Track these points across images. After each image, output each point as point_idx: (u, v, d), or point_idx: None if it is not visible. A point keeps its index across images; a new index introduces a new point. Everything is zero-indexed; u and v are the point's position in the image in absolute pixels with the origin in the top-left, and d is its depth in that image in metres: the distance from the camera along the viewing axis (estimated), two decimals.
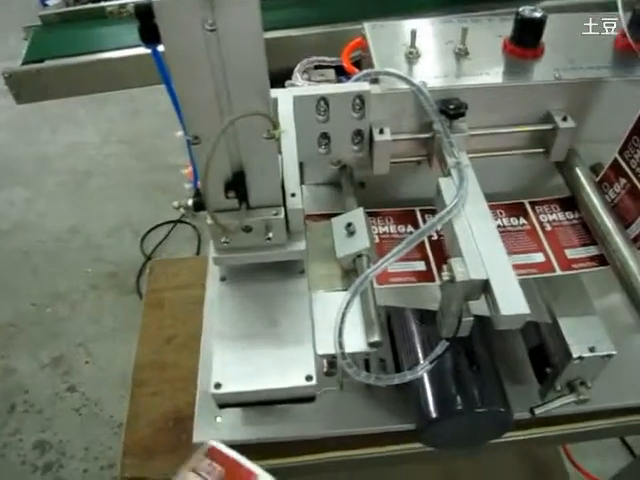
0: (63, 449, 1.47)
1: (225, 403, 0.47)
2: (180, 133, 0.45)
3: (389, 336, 0.67)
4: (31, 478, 1.42)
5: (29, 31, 1.14)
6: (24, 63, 1.07)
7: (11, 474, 1.42)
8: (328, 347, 0.49)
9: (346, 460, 0.70)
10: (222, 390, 0.46)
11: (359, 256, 0.55)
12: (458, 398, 0.57)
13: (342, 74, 0.72)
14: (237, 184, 0.46)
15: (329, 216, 0.64)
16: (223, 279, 0.53)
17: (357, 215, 0.57)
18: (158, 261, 1.05)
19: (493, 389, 0.59)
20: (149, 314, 0.85)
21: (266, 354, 0.48)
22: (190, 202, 0.50)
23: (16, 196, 2.12)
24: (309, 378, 0.46)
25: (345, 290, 0.55)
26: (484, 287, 0.48)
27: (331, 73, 0.71)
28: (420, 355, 0.62)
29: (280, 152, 0.50)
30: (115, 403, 1.53)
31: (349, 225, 0.56)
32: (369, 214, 0.61)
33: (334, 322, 0.50)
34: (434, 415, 0.57)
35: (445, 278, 0.48)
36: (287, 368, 0.47)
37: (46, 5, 2.34)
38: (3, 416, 1.52)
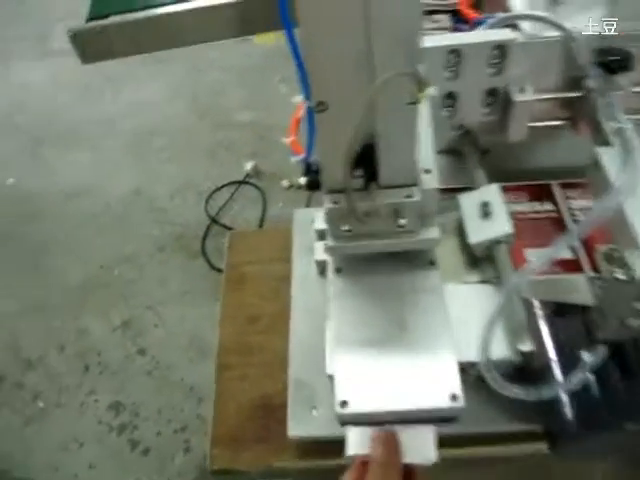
0: (136, 411, 1.49)
1: (350, 422, 0.40)
2: (299, 98, 0.37)
3: None
4: (107, 438, 1.44)
5: None
6: (88, 20, 1.00)
7: (89, 433, 1.45)
8: (468, 354, 0.41)
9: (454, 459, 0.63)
10: (350, 410, 0.38)
11: (497, 242, 0.46)
12: (607, 410, 0.49)
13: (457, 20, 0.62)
14: (366, 160, 0.38)
15: (445, 191, 0.55)
16: (339, 270, 0.45)
17: (492, 193, 0.48)
18: (236, 233, 0.99)
19: None
20: (230, 292, 0.79)
21: (399, 365, 0.40)
22: (303, 180, 0.42)
23: (80, 159, 2.11)
24: (455, 398, 0.38)
25: (482, 283, 0.46)
26: None
27: (446, 19, 0.60)
28: (552, 355, 0.53)
29: None
30: (185, 367, 1.53)
31: (485, 205, 0.47)
32: None
33: (475, 324, 0.41)
34: (576, 428, 0.49)
35: (619, 276, 0.39)
36: (426, 383, 0.38)
37: None
38: (79, 376, 1.54)
